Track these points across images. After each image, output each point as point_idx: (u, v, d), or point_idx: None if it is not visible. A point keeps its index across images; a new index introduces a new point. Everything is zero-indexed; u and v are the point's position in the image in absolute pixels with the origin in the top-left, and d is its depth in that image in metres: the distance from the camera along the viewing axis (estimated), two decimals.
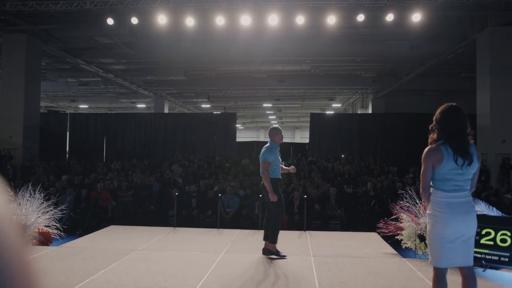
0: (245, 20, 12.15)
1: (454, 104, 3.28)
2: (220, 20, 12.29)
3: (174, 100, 28.66)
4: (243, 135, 41.03)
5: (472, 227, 3.17)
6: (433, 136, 3.27)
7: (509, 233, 5.22)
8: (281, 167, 6.06)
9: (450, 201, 3.15)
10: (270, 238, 5.96)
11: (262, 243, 6.11)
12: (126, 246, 6.50)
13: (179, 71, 20.53)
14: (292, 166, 6.39)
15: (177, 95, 26.98)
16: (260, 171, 5.87)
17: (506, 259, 5.24)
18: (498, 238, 5.27)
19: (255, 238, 7.18)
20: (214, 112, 29.72)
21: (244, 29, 12.90)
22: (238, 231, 7.87)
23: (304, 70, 21.08)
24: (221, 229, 7.99)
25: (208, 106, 31.35)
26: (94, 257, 5.86)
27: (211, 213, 9.65)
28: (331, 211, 9.67)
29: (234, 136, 21.98)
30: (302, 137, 42.78)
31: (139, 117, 22.99)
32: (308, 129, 22.19)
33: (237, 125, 24.71)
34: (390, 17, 12.16)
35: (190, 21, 12.44)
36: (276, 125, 6.22)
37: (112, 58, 18.57)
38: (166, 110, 27.45)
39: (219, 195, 9.23)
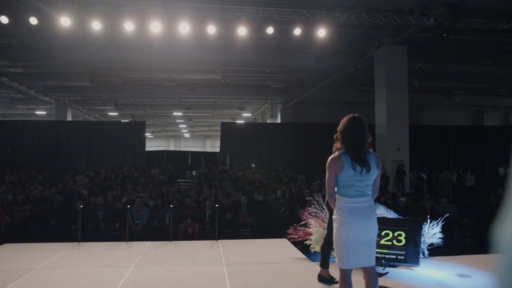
0: (155, 27, 11.89)
1: (355, 115, 3.49)
2: (129, 26, 11.88)
3: (79, 107, 27.01)
4: (153, 144, 39.91)
5: (373, 229, 3.39)
6: (336, 145, 3.47)
7: (403, 234, 5.72)
8: None
9: (353, 206, 3.34)
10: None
11: (173, 254, 5.94)
12: (23, 266, 5.93)
13: (84, 77, 19.42)
14: None
15: (82, 102, 25.47)
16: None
17: (402, 257, 5.72)
18: (395, 238, 5.74)
19: (166, 250, 7.00)
20: (122, 121, 28.55)
21: (154, 36, 12.60)
22: (148, 243, 7.61)
23: (215, 79, 21.17)
24: (130, 242, 7.66)
25: (116, 114, 30.00)
26: None
27: (120, 225, 9.22)
28: (242, 219, 9.77)
29: (143, 145, 21.30)
30: (213, 146, 42.78)
31: (39, 125, 21.28)
32: (219, 138, 22.28)
33: (146, 134, 23.98)
34: (297, 31, 12.71)
35: (96, 25, 11.84)
36: None
37: (6, 60, 17.00)
38: (69, 118, 25.74)
39: (128, 206, 8.86)
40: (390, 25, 13.23)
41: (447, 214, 7.23)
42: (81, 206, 8.62)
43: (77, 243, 7.58)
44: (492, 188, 13.91)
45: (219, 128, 22.59)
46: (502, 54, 16.36)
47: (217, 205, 8.61)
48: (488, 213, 11.36)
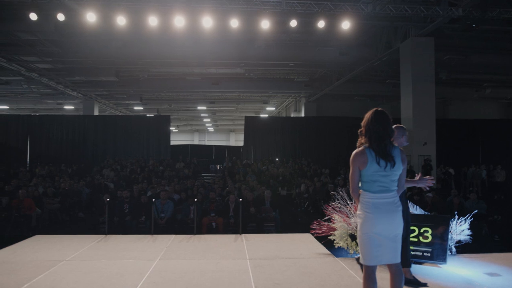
0: (179, 21, 11.95)
1: (379, 109, 3.46)
2: (153, 21, 11.99)
3: (105, 102, 27.52)
4: (177, 138, 40.36)
5: (398, 225, 3.35)
6: (361, 139, 3.45)
7: (430, 230, 5.60)
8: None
9: (376, 201, 3.32)
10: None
11: (197, 247, 5.97)
12: (53, 257, 6.10)
13: (110, 72, 19.74)
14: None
15: (108, 96, 25.93)
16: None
17: (429, 254, 5.61)
18: (421, 234, 5.63)
19: (190, 243, 7.07)
20: (147, 115, 28.98)
21: (178, 31, 12.69)
22: (172, 236, 7.70)
23: (238, 73, 21.20)
24: (155, 235, 7.78)
25: (141, 108, 30.47)
26: (15, 270, 5.43)
27: (145, 218, 9.37)
28: (266, 213, 9.78)
29: (168, 139, 21.58)
30: (237, 140, 42.95)
31: (67, 120, 21.80)
32: (243, 132, 22.33)
33: (171, 128, 24.27)
34: (321, 24, 12.57)
35: (121, 20, 12.00)
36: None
37: (35, 56, 17.43)
38: (96, 113, 26.27)
39: (153, 200, 8.98)
40: (416, 16, 12.95)
41: (476, 211, 7.06)
42: (108, 199, 8.79)
43: (104, 235, 7.75)
44: None
45: (243, 122, 22.65)
46: None
47: (240, 199, 8.64)
48: None
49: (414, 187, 12.63)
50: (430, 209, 9.23)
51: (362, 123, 3.45)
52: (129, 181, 14.53)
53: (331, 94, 23.64)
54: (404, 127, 4.93)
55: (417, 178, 4.43)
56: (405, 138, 4.82)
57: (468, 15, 12.16)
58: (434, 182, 4.52)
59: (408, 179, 4.33)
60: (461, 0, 12.11)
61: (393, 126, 4.64)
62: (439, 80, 17.37)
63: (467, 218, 6.24)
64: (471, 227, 6.20)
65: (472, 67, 18.07)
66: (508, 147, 18.91)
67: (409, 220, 4.57)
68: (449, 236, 5.80)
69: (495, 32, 14.94)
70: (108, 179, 14.72)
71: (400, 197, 3.50)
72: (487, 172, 16.64)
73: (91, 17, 11.73)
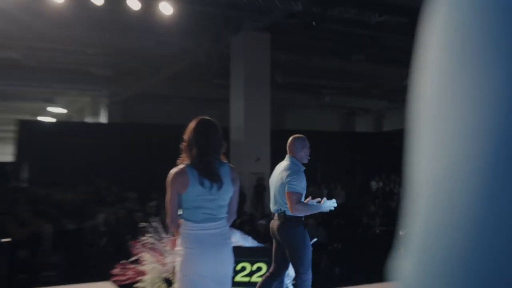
0: None
1: (204, 117, 3.55)
2: None
3: None
4: None
5: (227, 264, 3.39)
6: (183, 156, 3.47)
7: (265, 266, 5.83)
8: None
9: (200, 233, 3.31)
10: None
11: None
12: None
13: None
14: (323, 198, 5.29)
15: None
16: (281, 206, 5.05)
17: None
18: (254, 272, 5.82)
19: None
20: None
21: None
22: None
23: (12, 59, 19.45)
24: None
25: None
26: None
27: None
28: (44, 258, 9.14)
29: None
30: (2, 153, 39.33)
31: None
32: (13, 142, 20.63)
33: None
34: (134, 4, 12.35)
35: None
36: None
37: None
38: None
39: None
40: (251, 6, 13.63)
41: (315, 239, 7.66)
42: None
43: None
44: (364, 206, 15.37)
45: (14, 128, 20.90)
46: (375, 50, 18.28)
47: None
48: (360, 236, 12.52)
49: (245, 212, 13.30)
50: (264, 239, 9.74)
51: (185, 135, 3.46)
52: None
53: (144, 94, 23.50)
54: (304, 137, 5.37)
55: (321, 202, 4.92)
56: (306, 152, 5.23)
57: (308, 10, 13.35)
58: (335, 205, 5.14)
59: (312, 203, 4.98)
60: None
61: (292, 138, 5.36)
62: (276, 84, 18.72)
63: None
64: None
65: (312, 71, 20.06)
66: (348, 163, 21.43)
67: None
68: (286, 273, 6.13)
69: (336, 33, 16.79)
70: None
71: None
72: (327, 192, 18.55)
73: None
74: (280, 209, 5.04)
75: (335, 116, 30.17)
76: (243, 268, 5.78)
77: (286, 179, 4.91)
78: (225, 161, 3.53)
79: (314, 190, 18.13)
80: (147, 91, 22.60)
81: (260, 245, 6.45)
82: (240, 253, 5.79)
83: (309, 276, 5.08)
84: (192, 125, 3.50)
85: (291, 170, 4.99)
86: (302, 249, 5.02)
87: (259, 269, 5.82)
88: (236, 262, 5.60)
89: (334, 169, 21.44)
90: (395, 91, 23.31)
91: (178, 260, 3.38)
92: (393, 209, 14.83)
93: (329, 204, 5.04)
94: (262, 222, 10.49)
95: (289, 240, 4.99)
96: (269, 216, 13.03)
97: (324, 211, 5.08)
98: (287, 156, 5.32)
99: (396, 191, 18.98)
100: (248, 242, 6.46)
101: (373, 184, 19.50)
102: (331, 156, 22.28)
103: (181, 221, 3.40)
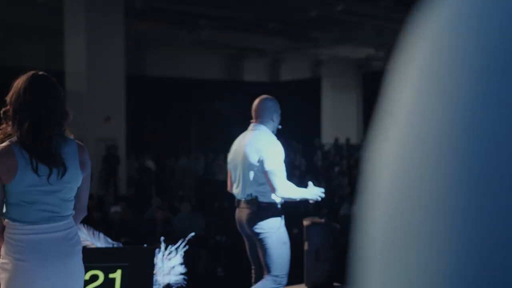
0: None
1: (39, 73, 3.35)
2: None
3: None
4: None
5: (75, 279, 3.39)
6: (5, 128, 3.28)
7: (121, 273, 5.76)
8: None
9: (35, 238, 3.21)
10: None
11: None
12: None
13: None
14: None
15: None
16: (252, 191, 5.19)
17: None
18: (109, 283, 5.74)
19: None
20: None
21: None
22: None
23: None
24: None
25: None
26: None
27: None
28: None
29: None
30: None
31: None
32: None
33: None
34: None
35: None
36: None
37: None
38: None
39: None
40: None
41: (193, 233, 7.70)
42: None
43: None
44: None
45: None
46: None
47: None
48: None
49: (91, 195, 13.00)
50: (119, 234, 9.64)
51: (8, 98, 3.28)
52: None
53: None
54: (273, 98, 5.45)
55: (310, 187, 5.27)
56: (277, 118, 5.36)
57: None
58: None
59: (298, 188, 5.29)
60: None
61: (260, 100, 5.40)
62: (132, 10, 18.13)
63: (179, 245, 6.74)
64: (186, 260, 6.74)
65: None
66: (233, 123, 21.57)
67: None
68: (153, 280, 6.14)
69: None
70: None
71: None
72: (205, 165, 18.64)
73: None
74: (251, 194, 5.17)
75: (215, 59, 30.04)
76: (94, 278, 5.69)
77: (261, 153, 5.08)
78: (70, 136, 3.39)
79: (188, 162, 18.16)
80: None
81: (116, 244, 6.37)
82: (89, 257, 5.69)
83: (284, 282, 5.28)
84: (20, 83, 3.27)
85: (266, 141, 5.18)
86: (279, 246, 5.20)
87: (116, 278, 5.74)
88: (86, 270, 5.52)
89: (215, 132, 21.55)
90: (299, 25, 23.72)
91: (1, 277, 3.22)
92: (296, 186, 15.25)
93: (316, 192, 5.27)
94: (117, 209, 10.36)
95: (263, 233, 5.16)
96: (126, 200, 12.92)
97: (311, 199, 5.35)
98: (253, 124, 5.39)
99: (297, 164, 19.48)
100: (99, 241, 6.35)
101: None
102: (210, 115, 22.37)
103: (6, 222, 3.26)
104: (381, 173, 0.57)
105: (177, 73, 25.01)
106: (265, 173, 5.05)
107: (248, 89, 25.02)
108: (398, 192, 0.53)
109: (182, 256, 6.73)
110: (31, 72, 3.32)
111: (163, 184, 17.64)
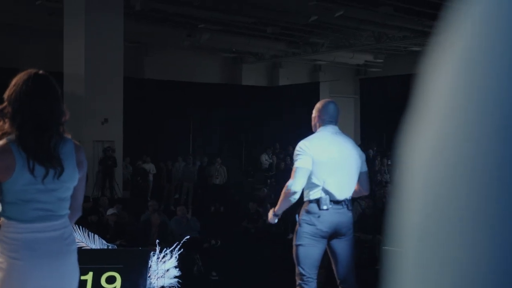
0: None
1: (38, 72, 3.32)
2: None
3: None
4: None
5: (69, 278, 3.35)
6: (3, 125, 3.23)
7: (118, 276, 5.77)
8: None
9: (31, 237, 3.19)
10: None
11: None
12: None
13: None
14: None
15: None
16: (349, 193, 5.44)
17: None
18: (103, 284, 5.75)
19: None
20: None
21: None
22: None
23: None
24: None
25: None
26: None
27: None
28: None
29: None
30: None
31: None
32: None
33: None
34: None
35: None
36: None
37: None
38: None
39: None
40: None
41: (188, 236, 7.72)
42: None
43: None
44: (252, 187, 15.66)
45: None
46: None
47: None
48: (246, 229, 12.77)
49: (87, 197, 12.99)
50: (114, 236, 9.64)
51: (6, 95, 3.24)
52: None
53: None
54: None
55: None
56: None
57: None
58: None
59: None
60: None
61: (334, 103, 5.63)
62: (131, 13, 18.09)
63: (174, 248, 6.75)
64: (180, 263, 6.76)
65: None
66: (231, 127, 21.44)
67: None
68: (147, 282, 6.15)
69: None
70: None
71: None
72: (200, 167, 18.58)
73: None
74: (347, 198, 5.36)
75: (214, 62, 29.97)
76: (89, 280, 5.69)
77: (363, 157, 5.54)
78: (68, 136, 3.36)
79: (185, 165, 18.08)
80: None
81: (111, 246, 6.38)
82: (84, 259, 5.72)
83: None
84: (19, 82, 3.23)
85: (356, 145, 5.62)
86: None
87: (111, 280, 5.75)
88: (81, 272, 5.54)
89: (212, 137, 21.51)
90: (298, 30, 23.68)
91: None
92: None
93: None
94: (113, 211, 10.36)
95: (351, 234, 5.47)
96: (123, 202, 12.83)
97: None
98: (336, 127, 5.53)
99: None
100: (94, 242, 6.36)
101: (264, 159, 19.83)
102: (208, 119, 22.29)
103: (2, 220, 3.24)
104: (419, 170, 0.59)
105: (176, 76, 24.90)
106: (361, 174, 5.41)
107: (246, 93, 25.01)
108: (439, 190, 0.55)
109: (176, 259, 6.74)
110: (31, 71, 3.29)
111: (160, 187, 17.58)
